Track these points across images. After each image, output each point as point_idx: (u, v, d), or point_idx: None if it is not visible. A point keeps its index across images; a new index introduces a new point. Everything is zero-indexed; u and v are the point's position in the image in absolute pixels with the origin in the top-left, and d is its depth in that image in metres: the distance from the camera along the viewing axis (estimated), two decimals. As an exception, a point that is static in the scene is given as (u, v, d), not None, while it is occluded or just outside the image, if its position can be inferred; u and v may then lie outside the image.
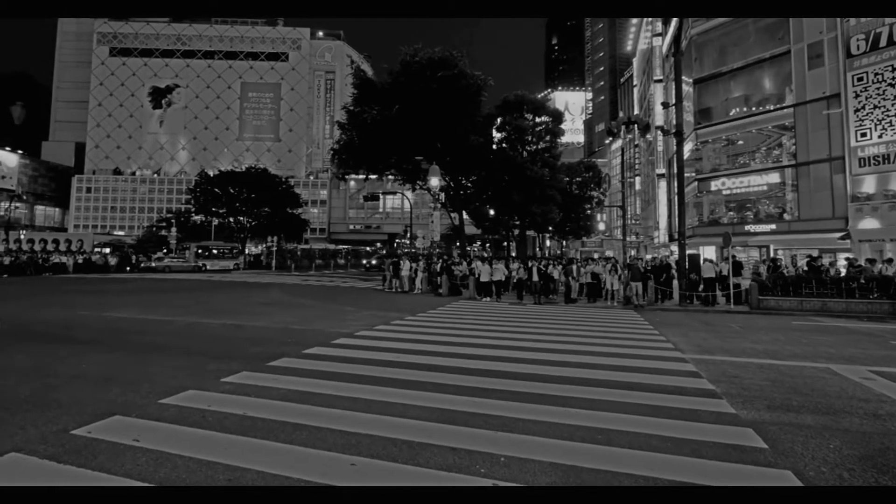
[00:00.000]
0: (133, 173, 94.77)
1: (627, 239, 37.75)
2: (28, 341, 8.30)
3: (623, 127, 35.85)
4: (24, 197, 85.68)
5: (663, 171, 44.29)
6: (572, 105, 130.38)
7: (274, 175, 62.09)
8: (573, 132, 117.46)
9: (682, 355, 7.97)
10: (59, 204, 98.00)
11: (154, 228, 65.08)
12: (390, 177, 32.03)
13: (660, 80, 45.79)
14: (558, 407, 4.93)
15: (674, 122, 23.19)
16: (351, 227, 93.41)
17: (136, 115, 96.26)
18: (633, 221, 50.70)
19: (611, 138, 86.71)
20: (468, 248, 45.48)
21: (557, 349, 8.18)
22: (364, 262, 53.08)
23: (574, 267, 18.74)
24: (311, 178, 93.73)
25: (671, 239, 36.32)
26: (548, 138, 33.94)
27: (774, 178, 26.53)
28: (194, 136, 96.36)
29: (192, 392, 5.30)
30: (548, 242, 60.09)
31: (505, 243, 41.72)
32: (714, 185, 28.98)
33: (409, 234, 39.86)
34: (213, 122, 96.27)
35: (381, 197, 38.80)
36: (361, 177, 33.42)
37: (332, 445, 3.90)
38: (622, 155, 52.79)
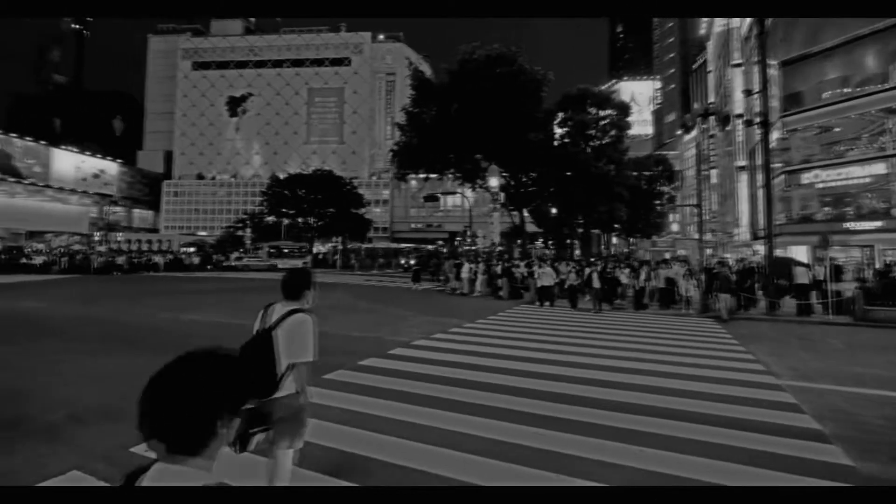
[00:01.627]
0: (213, 178, 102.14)
1: (704, 237, 35.12)
2: (116, 344, 8.88)
3: (698, 119, 33.36)
4: (118, 202, 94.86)
5: (744, 162, 40.77)
6: (639, 95, 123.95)
7: (338, 176, 64.23)
8: (640, 124, 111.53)
9: (776, 381, 7.00)
10: (152, 207, 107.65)
11: (231, 229, 69.53)
12: (450, 176, 31.93)
13: (739, 65, 42.16)
14: (629, 445, 4.39)
15: (757, 109, 21.09)
16: (412, 225, 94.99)
17: (216, 124, 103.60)
18: (710, 218, 47.18)
19: (682, 129, 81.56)
20: (529, 247, 44.55)
21: (626, 367, 7.51)
22: (403, 262, 49.94)
23: (645, 270, 17.40)
24: (374, 178, 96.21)
25: (754, 237, 33.33)
26: (613, 132, 32.34)
27: (879, 168, 23.41)
28: (266, 141, 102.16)
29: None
30: (614, 241, 57.56)
31: (569, 241, 40.36)
32: (805, 177, 26.12)
33: (468, 234, 39.66)
34: (282, 128, 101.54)
35: (440, 197, 38.72)
36: (422, 177, 33.59)
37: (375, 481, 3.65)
38: (696, 147, 49.28)
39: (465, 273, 20.99)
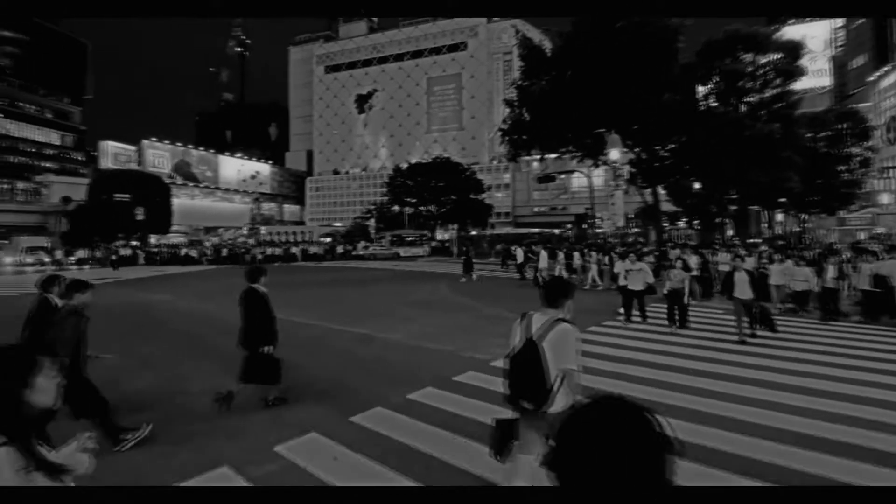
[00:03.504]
0: (346, 172, 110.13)
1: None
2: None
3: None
4: (258, 198, 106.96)
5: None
6: (811, 40, 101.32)
7: (456, 163, 63.83)
8: (814, 75, 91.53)
9: None
10: (298, 202, 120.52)
11: (359, 220, 73.78)
12: (568, 154, 28.47)
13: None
14: None
15: None
16: (535, 209, 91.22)
17: (347, 121, 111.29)
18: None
19: (877, 74, 64.48)
20: (669, 230, 38.72)
21: (834, 443, 4.57)
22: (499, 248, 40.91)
23: (835, 263, 11.59)
24: (494, 162, 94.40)
25: None
26: (777, 81, 25.76)
27: None
28: (391, 133, 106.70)
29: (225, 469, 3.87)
30: (779, 218, 47.63)
31: (718, 221, 33.69)
32: None
33: (588, 217, 35.54)
34: (405, 119, 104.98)
35: (556, 177, 35.07)
36: (538, 157, 30.72)
37: None
38: (903, 91, 37.97)
39: (577, 262, 18.02)
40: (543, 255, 17.94)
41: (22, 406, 1.48)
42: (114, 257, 32.13)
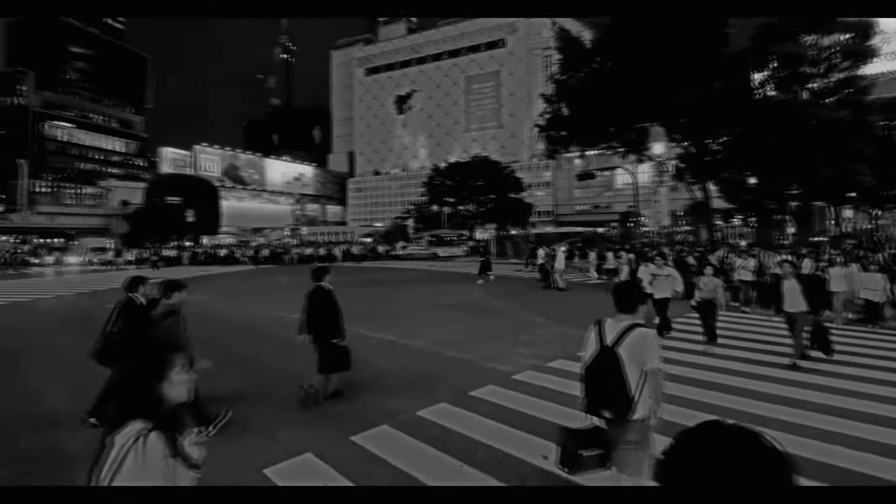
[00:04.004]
0: (387, 173, 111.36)
1: None
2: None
3: None
4: (300, 199, 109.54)
5: None
6: (884, 21, 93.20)
7: (495, 161, 62.97)
8: (889, 57, 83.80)
9: None
10: (340, 203, 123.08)
11: (399, 220, 74.32)
12: (609, 150, 27.14)
13: None
14: None
15: None
16: (577, 207, 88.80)
17: (386, 123, 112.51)
18: None
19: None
20: (721, 228, 36.38)
21: None
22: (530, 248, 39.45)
23: None
24: (535, 160, 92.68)
25: None
26: (845, 65, 23.46)
27: None
28: (430, 133, 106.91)
29: None
30: (847, 214, 43.85)
31: (778, 218, 31.12)
32: None
33: (635, 215, 33.78)
34: (444, 119, 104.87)
35: (596, 174, 33.34)
36: (578, 153, 29.53)
37: None
38: None
39: (611, 264, 17.00)
40: (560, 255, 17.12)
41: (162, 398, 1.60)
42: (154, 258, 33.47)
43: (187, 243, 54.24)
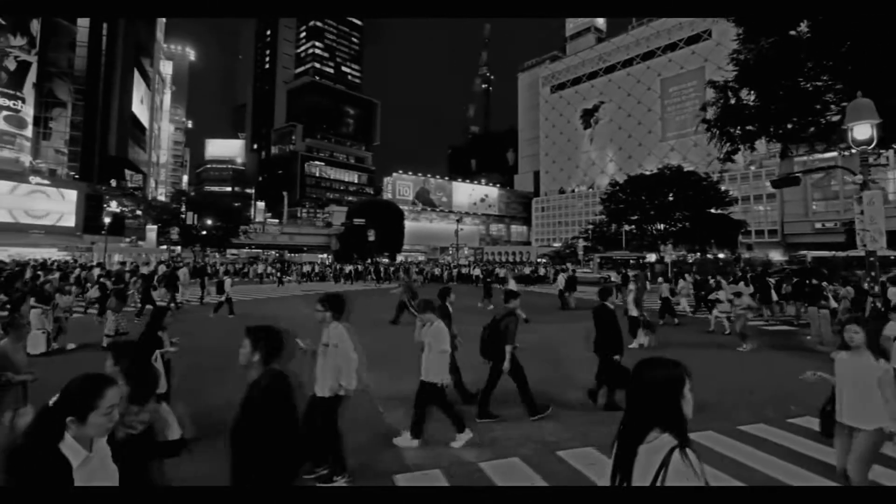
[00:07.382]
0: (572, 190, 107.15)
1: None
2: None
3: None
4: (484, 220, 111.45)
5: None
6: None
7: (689, 171, 54.11)
8: None
9: None
10: (525, 223, 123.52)
11: (573, 240, 70.28)
12: (819, 142, 19.75)
13: None
14: None
15: None
16: (817, 225, 69.15)
17: (573, 139, 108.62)
18: None
19: None
20: None
21: None
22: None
23: None
24: (752, 168, 76.93)
25: None
26: None
27: None
28: (619, 146, 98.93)
29: None
30: None
31: None
32: None
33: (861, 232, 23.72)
34: (635, 129, 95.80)
35: (801, 178, 24.18)
36: (804, 153, 22.60)
37: None
38: None
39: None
40: (632, 285, 12.10)
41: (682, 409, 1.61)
42: (279, 275, 34.02)
43: (369, 261, 58.71)
